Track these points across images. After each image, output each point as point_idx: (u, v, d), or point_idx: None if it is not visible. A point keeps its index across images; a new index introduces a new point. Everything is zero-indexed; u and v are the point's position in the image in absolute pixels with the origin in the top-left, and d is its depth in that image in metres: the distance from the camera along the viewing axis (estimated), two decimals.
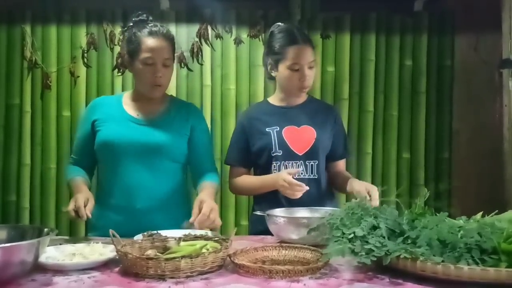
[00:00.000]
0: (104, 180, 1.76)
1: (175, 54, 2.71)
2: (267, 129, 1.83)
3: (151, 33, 1.66)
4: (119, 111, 1.74)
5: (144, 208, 1.67)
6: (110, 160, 1.71)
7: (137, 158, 1.68)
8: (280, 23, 1.83)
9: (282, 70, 1.79)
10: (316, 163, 1.79)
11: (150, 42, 1.65)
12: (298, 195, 1.63)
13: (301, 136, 1.81)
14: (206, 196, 1.60)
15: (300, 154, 1.78)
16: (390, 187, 2.85)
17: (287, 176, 1.63)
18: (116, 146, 1.68)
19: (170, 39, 1.70)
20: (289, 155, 1.78)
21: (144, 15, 1.73)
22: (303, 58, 1.75)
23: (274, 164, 1.80)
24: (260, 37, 2.80)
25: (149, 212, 1.67)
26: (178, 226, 1.58)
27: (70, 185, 1.71)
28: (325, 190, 1.82)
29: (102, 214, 1.62)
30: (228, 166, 1.95)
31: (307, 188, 1.62)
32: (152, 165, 1.69)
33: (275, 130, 1.82)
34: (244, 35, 2.82)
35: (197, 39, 2.81)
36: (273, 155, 1.80)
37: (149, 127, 1.71)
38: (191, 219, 1.51)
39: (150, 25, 1.69)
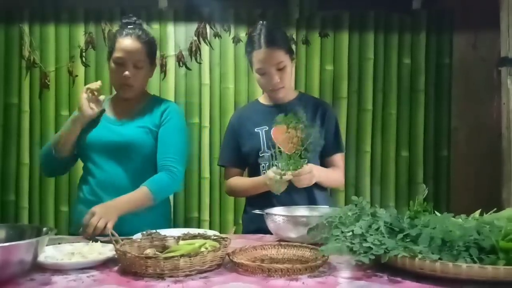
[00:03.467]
0: (81, 178, 1.83)
1: (174, 53, 2.77)
2: (256, 129, 1.83)
3: (126, 35, 1.73)
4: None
5: None
6: (85, 159, 1.79)
7: (108, 156, 1.75)
8: (261, 23, 1.81)
9: (254, 74, 1.83)
10: (305, 162, 1.78)
11: (122, 42, 1.72)
12: (282, 189, 1.62)
13: (290, 135, 1.79)
14: (100, 205, 1.57)
15: (289, 154, 1.77)
16: (389, 185, 2.86)
17: (271, 174, 1.64)
18: (88, 146, 1.76)
19: (145, 42, 1.75)
20: (277, 155, 1.77)
21: (133, 18, 1.79)
22: (267, 62, 1.75)
23: (263, 164, 1.80)
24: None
25: None
26: (149, 224, 1.54)
27: (55, 139, 1.76)
28: (318, 189, 1.81)
29: (84, 212, 1.62)
30: None
31: (290, 177, 1.61)
32: (122, 162, 1.75)
33: (263, 130, 1.81)
34: (242, 34, 2.82)
35: (195, 38, 2.81)
36: (261, 155, 1.80)
37: (119, 127, 1.77)
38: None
39: (129, 27, 1.75)
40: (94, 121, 1.78)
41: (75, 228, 1.69)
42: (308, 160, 1.77)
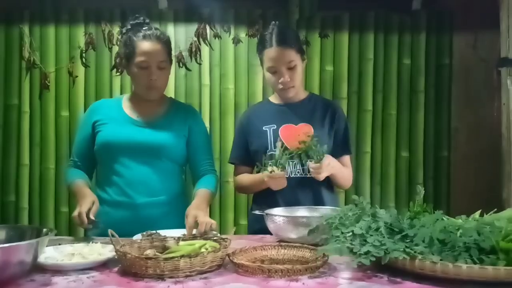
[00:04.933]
0: (103, 178, 1.78)
1: (174, 54, 2.77)
2: (264, 128, 1.83)
3: (144, 37, 1.69)
4: (119, 113, 1.78)
5: (144, 203, 1.69)
6: (110, 160, 1.73)
7: (137, 157, 1.71)
8: (273, 22, 1.83)
9: (265, 72, 1.83)
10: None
11: (143, 46, 1.68)
12: (282, 185, 1.67)
13: (298, 134, 1.81)
14: (192, 207, 1.60)
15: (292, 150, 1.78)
16: (389, 186, 2.86)
17: (268, 170, 1.66)
18: (115, 147, 1.71)
19: (164, 42, 1.73)
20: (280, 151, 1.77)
21: (141, 18, 1.76)
22: (278, 60, 1.75)
23: (270, 162, 1.80)
24: (258, 36, 2.80)
25: (149, 207, 1.69)
26: (176, 225, 1.59)
27: (71, 189, 1.73)
28: (324, 189, 1.82)
29: (101, 212, 1.62)
30: (229, 166, 1.97)
31: (285, 175, 1.67)
32: (151, 164, 1.72)
33: (272, 129, 1.82)
34: (242, 35, 2.82)
35: (195, 39, 2.81)
36: (268, 153, 1.80)
37: (148, 128, 1.74)
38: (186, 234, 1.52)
39: (144, 28, 1.72)
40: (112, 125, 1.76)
41: (98, 231, 1.64)
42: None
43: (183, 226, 1.57)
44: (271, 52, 1.76)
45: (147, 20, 1.77)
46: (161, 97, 1.82)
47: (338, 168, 1.79)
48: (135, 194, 1.70)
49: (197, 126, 1.84)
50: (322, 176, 1.68)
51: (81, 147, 1.79)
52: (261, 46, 1.81)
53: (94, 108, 1.83)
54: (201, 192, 1.72)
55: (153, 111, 1.78)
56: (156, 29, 1.75)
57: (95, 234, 1.66)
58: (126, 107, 1.79)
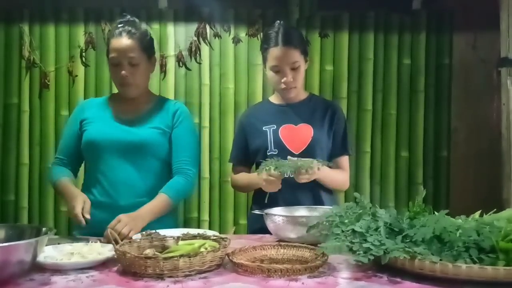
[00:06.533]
0: (88, 178, 1.78)
1: (174, 53, 2.77)
2: (264, 128, 1.84)
3: (116, 34, 1.70)
4: (104, 111, 1.79)
5: (127, 205, 1.67)
6: (95, 158, 1.74)
7: (121, 156, 1.71)
8: (278, 21, 1.83)
9: (267, 71, 1.84)
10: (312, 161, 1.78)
11: (114, 42, 1.70)
12: (276, 187, 1.66)
13: (298, 135, 1.81)
14: (128, 215, 1.52)
15: (296, 153, 1.78)
16: (389, 186, 2.86)
17: (265, 175, 1.65)
18: (100, 145, 1.71)
19: (136, 37, 1.70)
20: (284, 154, 1.78)
21: (128, 16, 1.76)
22: (282, 60, 1.76)
23: (268, 163, 1.80)
24: (258, 36, 2.80)
25: (133, 209, 1.63)
26: (162, 225, 1.57)
27: (57, 187, 1.72)
28: (323, 189, 1.82)
29: (95, 215, 1.62)
30: (228, 165, 1.97)
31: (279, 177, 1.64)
32: (136, 162, 1.72)
33: (271, 129, 1.82)
34: (242, 34, 2.82)
35: (195, 38, 2.81)
36: (268, 153, 1.80)
37: (132, 126, 1.74)
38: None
39: (120, 25, 1.72)
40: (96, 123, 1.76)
41: (83, 231, 1.65)
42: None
43: (169, 227, 1.56)
44: (276, 51, 1.76)
45: (132, 18, 1.76)
46: (146, 94, 1.82)
47: (326, 175, 1.76)
48: (118, 195, 1.69)
49: (181, 122, 1.79)
50: (300, 179, 1.64)
51: (67, 145, 1.80)
52: (266, 45, 1.81)
53: (81, 107, 1.84)
54: (157, 199, 1.65)
55: (137, 109, 1.78)
56: (132, 25, 1.72)
57: (81, 234, 1.67)
58: (112, 106, 1.80)
